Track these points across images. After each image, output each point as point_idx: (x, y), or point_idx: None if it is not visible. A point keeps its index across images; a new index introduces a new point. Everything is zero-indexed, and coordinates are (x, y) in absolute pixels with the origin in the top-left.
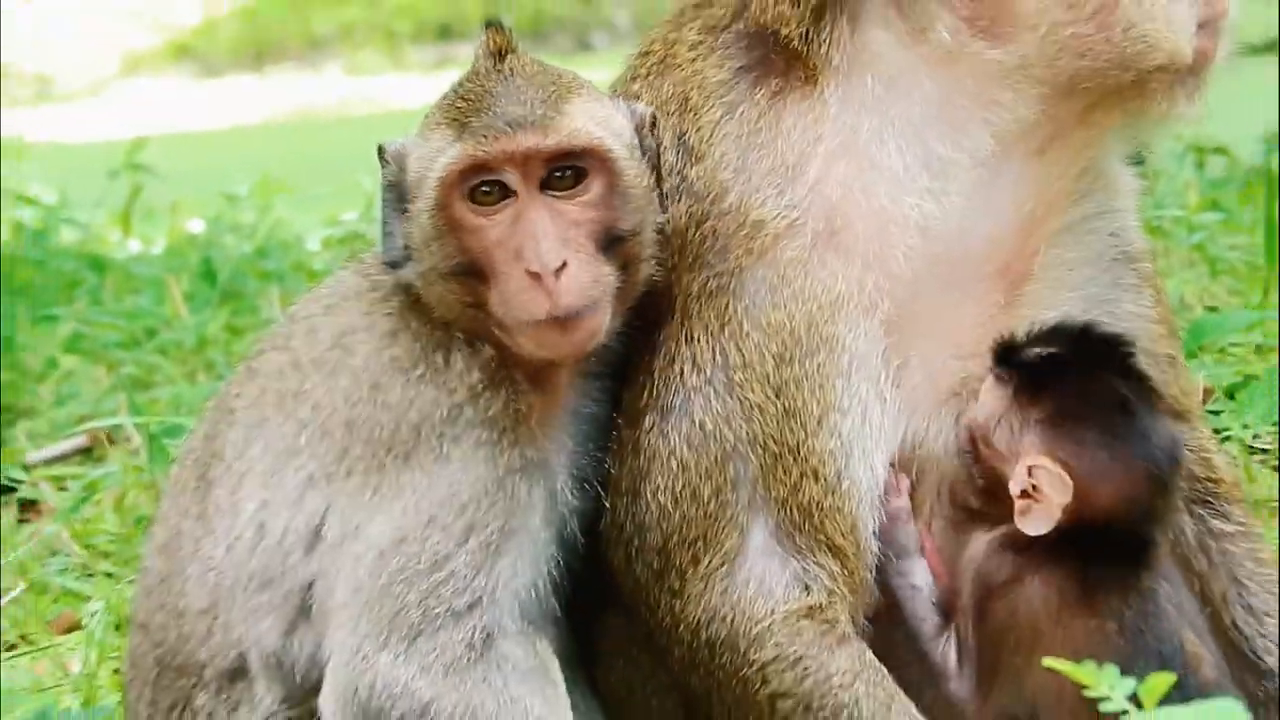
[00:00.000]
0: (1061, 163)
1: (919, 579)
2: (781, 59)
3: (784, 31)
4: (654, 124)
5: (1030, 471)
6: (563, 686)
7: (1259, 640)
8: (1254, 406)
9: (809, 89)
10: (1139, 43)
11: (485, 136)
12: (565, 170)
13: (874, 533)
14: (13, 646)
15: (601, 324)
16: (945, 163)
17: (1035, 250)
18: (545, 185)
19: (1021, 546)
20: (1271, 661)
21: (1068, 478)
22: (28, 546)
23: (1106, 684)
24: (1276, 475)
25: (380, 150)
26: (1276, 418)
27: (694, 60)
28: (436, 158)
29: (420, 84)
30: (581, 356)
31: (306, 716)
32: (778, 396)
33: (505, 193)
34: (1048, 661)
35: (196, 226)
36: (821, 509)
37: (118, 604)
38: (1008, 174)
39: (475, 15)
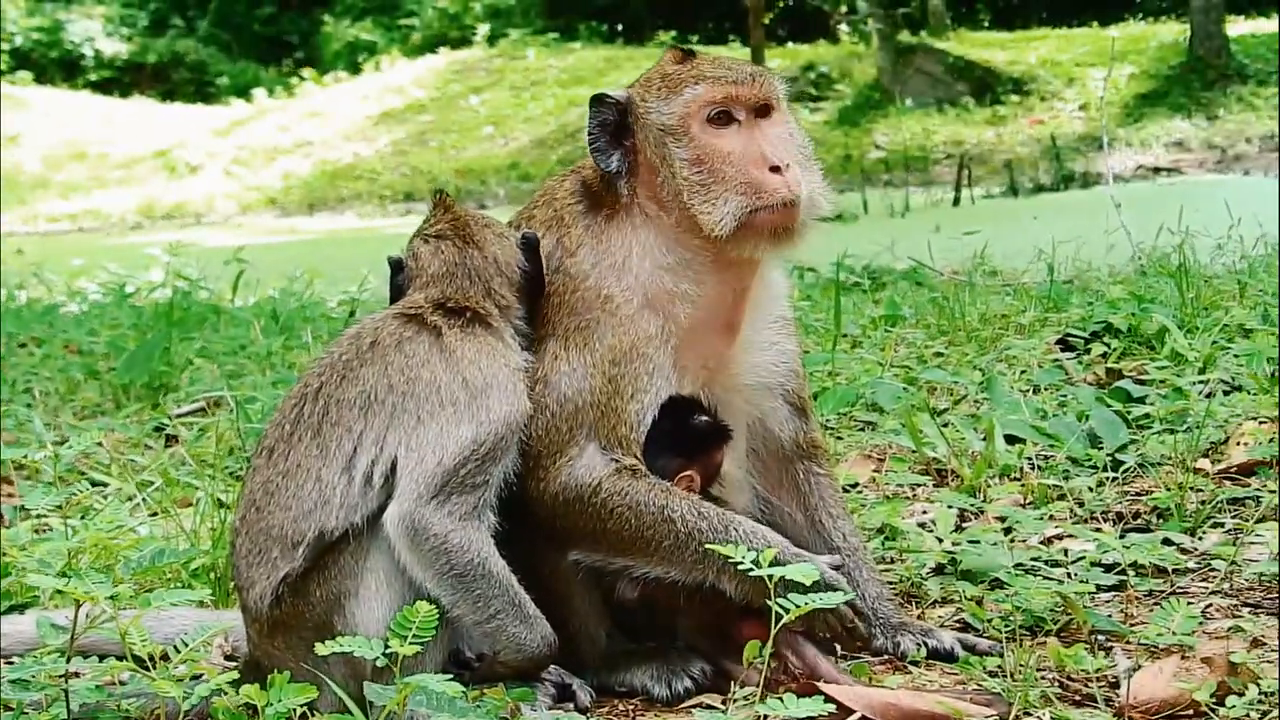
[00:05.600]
0: (744, 267)
1: None
2: (607, 199)
3: (604, 190)
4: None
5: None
6: None
7: (833, 531)
8: (827, 404)
9: (622, 215)
10: (694, 221)
11: None
12: None
13: None
14: (154, 514)
15: None
16: (695, 263)
17: (741, 312)
18: None
19: None
20: (838, 541)
21: (696, 478)
22: (168, 460)
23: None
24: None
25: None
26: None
27: (565, 200)
28: None
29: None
30: None
31: (324, 564)
32: (610, 384)
33: None
34: None
35: (274, 293)
36: (629, 439)
37: (213, 494)
38: (725, 270)
39: None
